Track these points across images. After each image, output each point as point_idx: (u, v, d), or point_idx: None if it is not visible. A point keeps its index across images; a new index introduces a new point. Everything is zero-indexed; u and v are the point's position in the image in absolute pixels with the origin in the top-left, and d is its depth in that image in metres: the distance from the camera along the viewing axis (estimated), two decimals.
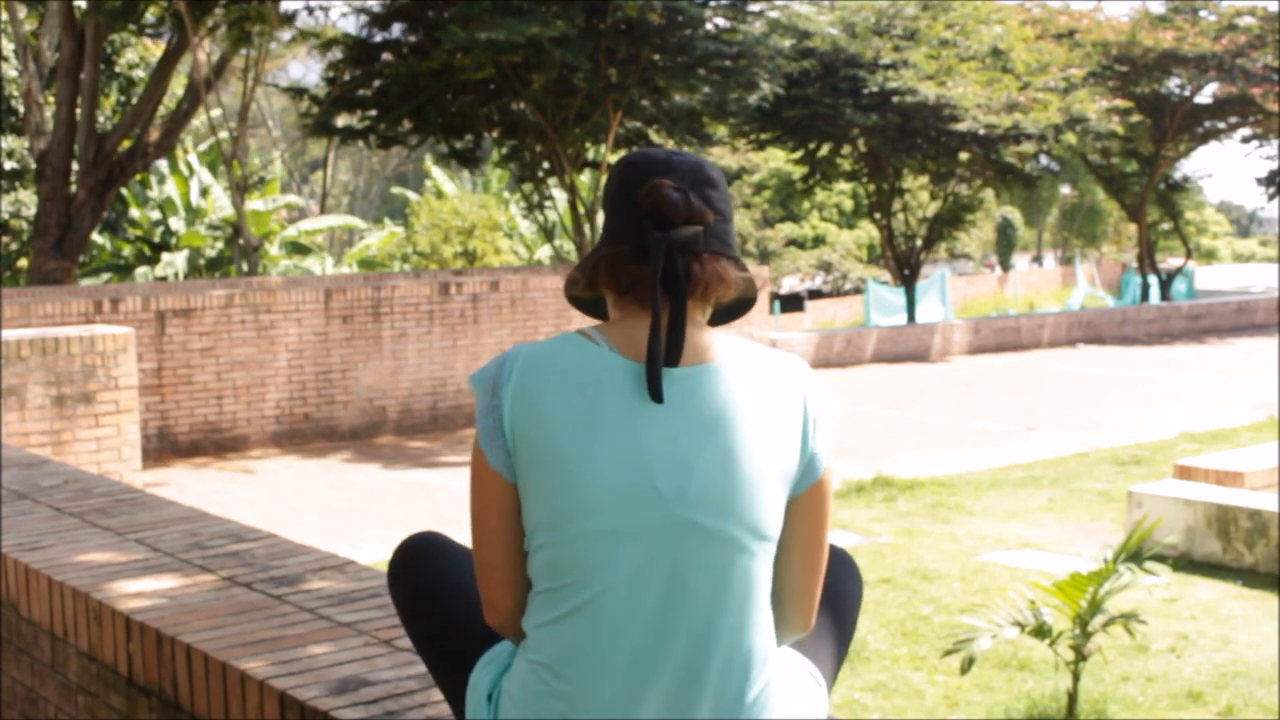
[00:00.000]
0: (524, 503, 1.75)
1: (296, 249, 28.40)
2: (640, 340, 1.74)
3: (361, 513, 9.36)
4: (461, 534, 7.14)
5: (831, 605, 2.00)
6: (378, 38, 17.01)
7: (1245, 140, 26.50)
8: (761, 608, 1.75)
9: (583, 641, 1.70)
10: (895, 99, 20.10)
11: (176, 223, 26.51)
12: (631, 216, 1.78)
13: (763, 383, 1.76)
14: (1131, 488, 7.98)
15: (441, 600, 1.98)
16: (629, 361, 1.73)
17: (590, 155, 18.62)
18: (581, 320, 13.91)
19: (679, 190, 1.78)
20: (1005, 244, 47.74)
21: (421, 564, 2.03)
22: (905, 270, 23.80)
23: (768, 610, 1.76)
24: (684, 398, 1.72)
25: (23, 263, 23.01)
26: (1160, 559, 7.01)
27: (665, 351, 1.71)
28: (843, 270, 36.80)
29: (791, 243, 38.58)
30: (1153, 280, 27.37)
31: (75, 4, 16.66)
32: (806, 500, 1.79)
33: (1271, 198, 27.95)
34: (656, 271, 1.72)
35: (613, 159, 17.90)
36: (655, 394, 1.69)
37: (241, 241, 18.53)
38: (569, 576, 1.70)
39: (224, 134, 20.23)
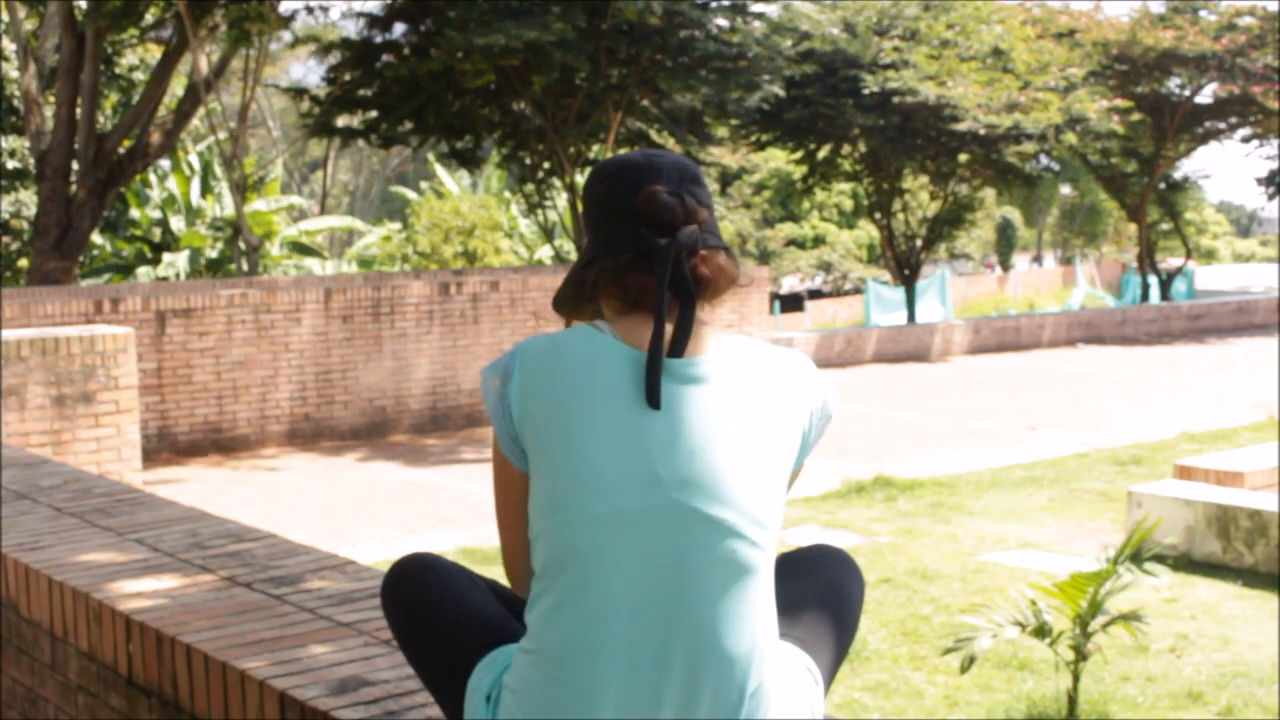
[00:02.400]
0: (531, 489, 1.78)
1: (298, 249, 28.41)
2: (645, 334, 1.77)
3: (361, 513, 9.36)
4: (461, 533, 7.12)
5: (832, 605, 2.00)
6: (378, 39, 17.01)
7: (1245, 140, 26.49)
8: (762, 599, 1.75)
9: (582, 628, 1.70)
10: (895, 99, 20.11)
11: (177, 223, 26.51)
12: (627, 226, 1.80)
13: (766, 376, 1.79)
14: (1131, 488, 7.98)
15: (435, 618, 1.99)
16: (633, 350, 1.76)
17: (591, 155, 18.61)
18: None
19: (672, 193, 1.80)
20: (1005, 244, 47.76)
21: (414, 584, 2.04)
22: (905, 270, 23.80)
23: (769, 602, 1.77)
24: (688, 387, 1.75)
25: (23, 263, 23.01)
26: (1160, 559, 7.01)
27: (671, 345, 1.75)
28: (843, 270, 36.81)
29: (791, 243, 38.59)
30: (1153, 280, 27.37)
31: (75, 5, 16.66)
32: (791, 474, 1.86)
33: (1271, 198, 27.96)
34: (664, 279, 1.75)
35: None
36: (653, 400, 1.71)
37: (241, 242, 18.53)
38: (569, 561, 1.72)
39: (224, 134, 20.23)
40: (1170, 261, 34.54)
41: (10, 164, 21.94)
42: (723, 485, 1.71)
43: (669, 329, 1.76)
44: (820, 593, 2.00)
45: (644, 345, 1.75)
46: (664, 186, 1.80)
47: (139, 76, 22.62)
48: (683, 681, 1.70)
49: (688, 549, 1.70)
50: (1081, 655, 5.01)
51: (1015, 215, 47.26)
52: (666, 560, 1.70)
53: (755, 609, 1.74)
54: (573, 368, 1.75)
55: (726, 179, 37.60)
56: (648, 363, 1.72)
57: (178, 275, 24.90)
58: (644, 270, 1.78)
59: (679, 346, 1.75)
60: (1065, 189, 46.51)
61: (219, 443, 11.98)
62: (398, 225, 33.06)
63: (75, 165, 17.04)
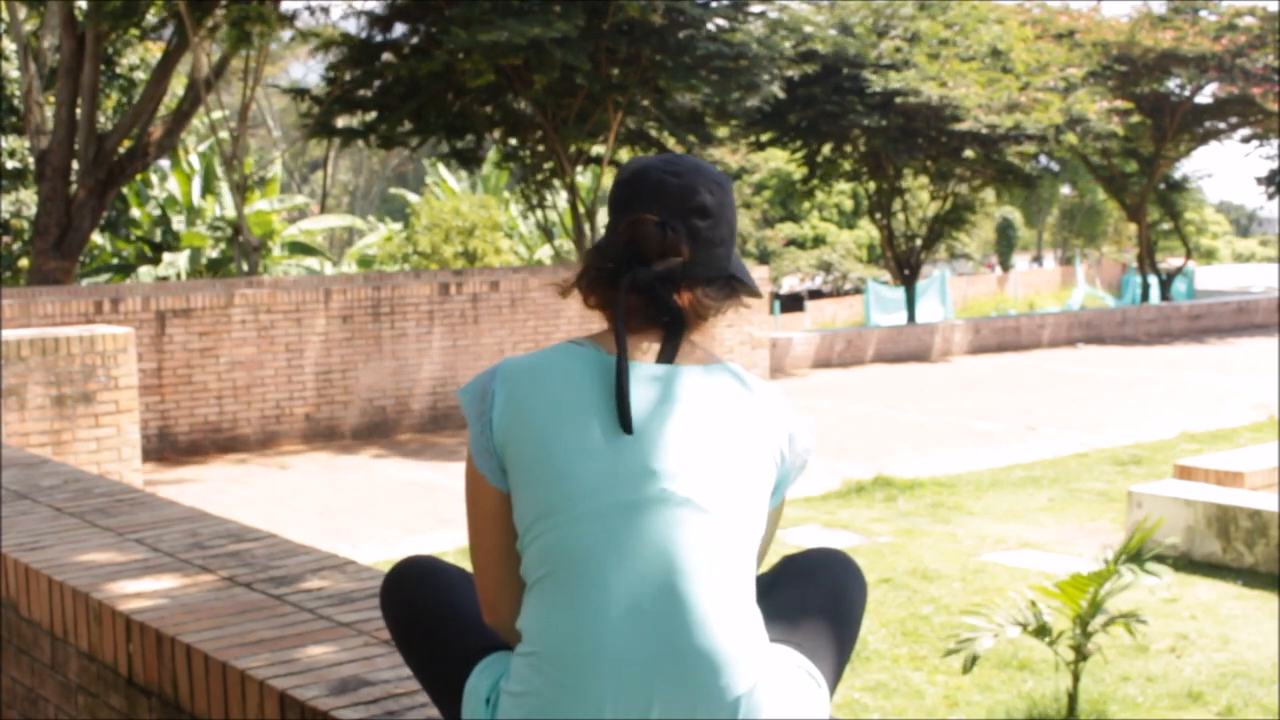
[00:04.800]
0: (516, 503, 1.79)
1: (300, 249, 28.41)
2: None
3: (361, 513, 9.36)
4: (461, 534, 7.12)
5: (834, 608, 2.00)
6: (378, 38, 17.01)
7: (1245, 140, 26.51)
8: (751, 600, 1.77)
9: (580, 627, 1.70)
10: (898, 99, 20.11)
11: (178, 222, 26.52)
12: (615, 239, 1.84)
13: (749, 397, 1.82)
14: (1131, 488, 7.99)
15: (433, 622, 1.99)
16: (616, 360, 1.78)
17: (593, 154, 18.62)
18: (579, 318, 13.90)
19: (660, 224, 1.81)
20: (1005, 244, 47.77)
21: (412, 587, 2.05)
22: (905, 270, 23.80)
23: (756, 605, 1.78)
24: (677, 392, 1.77)
25: (23, 263, 23.01)
26: (1160, 559, 7.01)
27: (660, 355, 1.79)
28: (843, 270, 36.81)
29: (791, 243, 38.60)
30: (1153, 280, 27.38)
31: (76, 5, 16.66)
32: (772, 514, 1.91)
33: (1271, 197, 27.97)
34: (620, 306, 1.78)
35: (615, 158, 17.90)
36: (625, 425, 1.72)
37: (241, 240, 18.53)
38: (565, 558, 1.72)
39: (224, 134, 20.23)
40: (1170, 261, 34.54)
41: (10, 164, 21.93)
42: (710, 482, 1.74)
43: (657, 344, 1.80)
44: (821, 596, 2.00)
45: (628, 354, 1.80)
46: (657, 214, 1.81)
47: (139, 76, 22.61)
48: (679, 680, 1.69)
49: (681, 540, 1.71)
50: (1081, 655, 5.01)
51: (1015, 215, 47.28)
52: (660, 551, 1.70)
53: (746, 608, 1.75)
54: (557, 381, 1.77)
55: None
56: (616, 389, 1.73)
57: (178, 275, 24.90)
58: (612, 286, 1.82)
59: (667, 356, 1.79)
60: (1065, 189, 46.52)
61: (219, 443, 11.98)
62: (399, 225, 33.05)
63: (75, 165, 17.03)
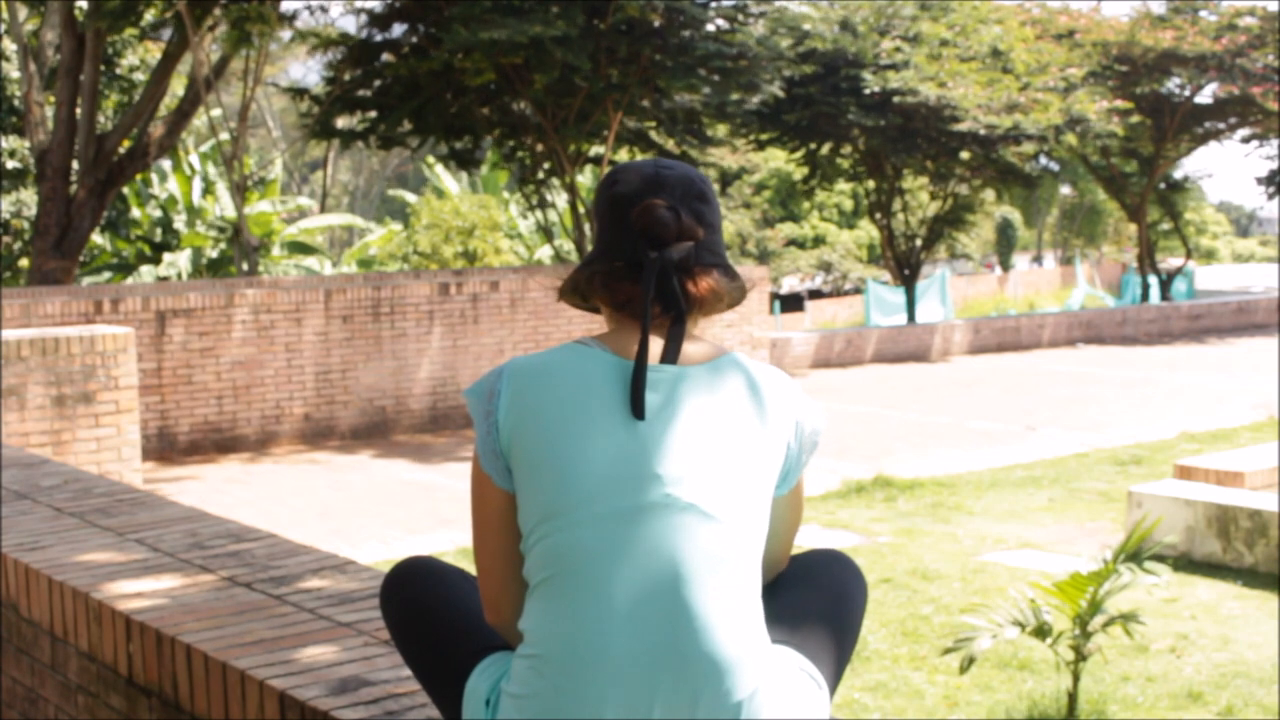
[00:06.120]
0: (520, 505, 1.79)
1: (299, 249, 28.41)
2: (633, 346, 1.80)
3: (361, 513, 9.36)
4: (461, 534, 7.12)
5: (834, 609, 2.00)
6: (378, 38, 17.01)
7: (1245, 140, 26.51)
8: (755, 602, 1.77)
9: (582, 630, 1.70)
10: (896, 99, 20.11)
11: (179, 222, 26.53)
12: (624, 234, 1.83)
13: (750, 389, 1.82)
14: (1131, 488, 7.99)
15: (433, 622, 1.99)
16: (622, 360, 1.78)
17: (591, 154, 18.62)
18: (579, 318, 13.90)
19: (671, 209, 1.82)
20: (1005, 244, 47.77)
21: (412, 587, 2.05)
22: (905, 270, 23.81)
23: (759, 606, 1.78)
24: (678, 393, 1.77)
25: (23, 263, 23.01)
26: (1160, 559, 7.02)
27: (662, 355, 1.78)
28: (843, 270, 36.82)
29: (791, 243, 38.61)
30: (1153, 280, 27.38)
31: (76, 5, 16.66)
32: (787, 500, 1.92)
33: (1271, 197, 27.96)
34: (648, 292, 1.77)
35: (614, 158, 17.89)
36: (637, 411, 1.73)
37: (241, 240, 18.53)
38: (567, 562, 1.72)
39: (224, 134, 20.22)
40: (1170, 261, 34.54)
41: (10, 164, 21.93)
42: (714, 486, 1.73)
43: (660, 341, 1.79)
44: (821, 597, 2.00)
45: (632, 355, 1.78)
46: (664, 200, 1.82)
47: (139, 76, 22.61)
48: (681, 684, 1.69)
49: (683, 545, 1.71)
50: (1081, 655, 5.01)
51: (1015, 215, 47.29)
52: (662, 557, 1.70)
53: (749, 611, 1.75)
54: (563, 382, 1.77)
55: (726, 179, 37.61)
56: (634, 372, 1.74)
57: (179, 275, 24.91)
58: (632, 280, 1.81)
59: (670, 356, 1.78)
60: (1065, 189, 46.53)
61: (219, 443, 11.98)
62: (399, 225, 33.06)
63: (75, 165, 17.03)
